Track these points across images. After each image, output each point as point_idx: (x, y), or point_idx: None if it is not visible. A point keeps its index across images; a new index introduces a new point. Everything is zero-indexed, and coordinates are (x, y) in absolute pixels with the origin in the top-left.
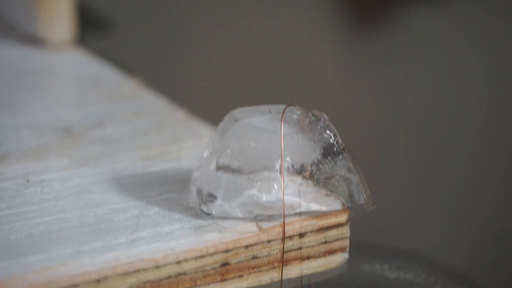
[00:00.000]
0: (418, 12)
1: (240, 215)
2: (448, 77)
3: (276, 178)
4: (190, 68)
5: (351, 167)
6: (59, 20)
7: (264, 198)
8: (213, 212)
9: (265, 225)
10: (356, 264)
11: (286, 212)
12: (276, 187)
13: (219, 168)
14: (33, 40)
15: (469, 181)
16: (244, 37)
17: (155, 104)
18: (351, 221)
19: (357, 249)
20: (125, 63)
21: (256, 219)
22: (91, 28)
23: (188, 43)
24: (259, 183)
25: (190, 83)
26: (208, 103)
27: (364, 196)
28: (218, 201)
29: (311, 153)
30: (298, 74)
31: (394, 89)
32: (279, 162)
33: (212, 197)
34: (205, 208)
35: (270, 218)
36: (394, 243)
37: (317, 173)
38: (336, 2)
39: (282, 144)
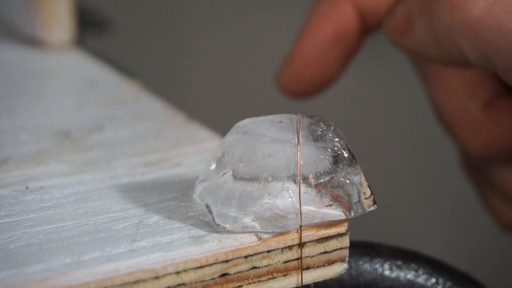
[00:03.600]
0: None
1: (257, 226)
2: None
3: (290, 187)
4: (190, 70)
5: (359, 177)
6: (58, 21)
7: (279, 207)
8: (227, 226)
9: (264, 235)
10: (356, 264)
11: (297, 222)
12: (290, 196)
13: (232, 180)
14: (32, 42)
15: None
16: (243, 39)
17: (154, 108)
18: (351, 220)
19: (357, 248)
20: (124, 65)
21: (268, 230)
22: (90, 29)
23: (187, 45)
24: (273, 193)
25: (189, 86)
26: (208, 107)
27: (366, 208)
28: (232, 214)
29: (320, 162)
30: None
31: (394, 89)
32: (292, 171)
33: (225, 210)
34: (220, 222)
35: (285, 227)
36: (394, 243)
37: (324, 182)
38: None
39: (299, 153)
